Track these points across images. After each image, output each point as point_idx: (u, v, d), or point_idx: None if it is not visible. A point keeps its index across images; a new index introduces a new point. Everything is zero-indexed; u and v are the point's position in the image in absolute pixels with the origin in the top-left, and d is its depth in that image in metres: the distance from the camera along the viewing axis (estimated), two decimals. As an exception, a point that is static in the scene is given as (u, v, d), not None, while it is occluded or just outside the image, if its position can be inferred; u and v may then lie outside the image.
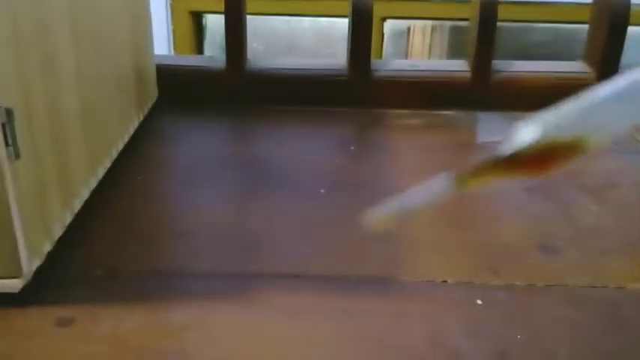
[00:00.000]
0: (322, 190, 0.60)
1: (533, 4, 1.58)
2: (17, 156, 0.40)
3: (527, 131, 0.18)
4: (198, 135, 0.73)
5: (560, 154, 0.18)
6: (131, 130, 0.66)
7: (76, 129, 0.51)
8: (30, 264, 0.43)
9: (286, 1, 1.62)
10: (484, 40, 0.78)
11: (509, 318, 0.43)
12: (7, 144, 0.39)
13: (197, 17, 1.72)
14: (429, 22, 1.73)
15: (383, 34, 1.68)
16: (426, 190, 0.21)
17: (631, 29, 0.77)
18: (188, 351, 0.40)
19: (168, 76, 0.79)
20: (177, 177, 0.64)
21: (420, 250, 0.51)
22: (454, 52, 1.71)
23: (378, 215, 0.21)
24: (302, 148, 0.69)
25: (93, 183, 0.55)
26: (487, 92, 0.80)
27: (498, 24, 0.77)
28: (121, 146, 0.62)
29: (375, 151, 0.69)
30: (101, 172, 0.57)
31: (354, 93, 0.80)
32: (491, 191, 0.61)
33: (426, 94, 0.80)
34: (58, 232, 0.47)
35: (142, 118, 0.71)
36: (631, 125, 0.19)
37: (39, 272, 0.44)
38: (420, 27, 1.76)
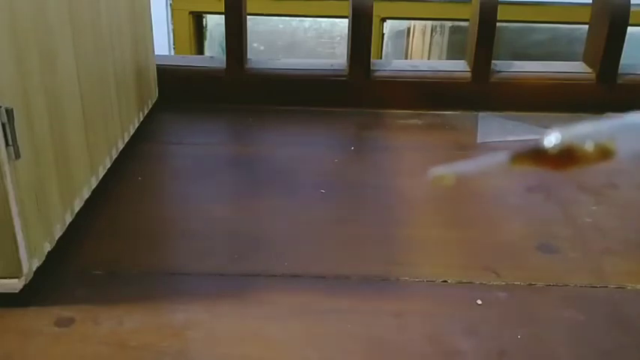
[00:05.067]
0: (322, 190, 0.60)
1: (533, 4, 1.58)
2: (17, 156, 0.40)
3: (556, 135, 0.24)
4: (199, 135, 0.73)
5: (581, 156, 0.24)
6: (131, 130, 0.66)
7: (77, 129, 0.51)
8: (30, 264, 0.43)
9: (286, 1, 1.62)
10: (484, 40, 0.78)
11: (509, 318, 0.43)
12: (7, 144, 0.39)
13: (197, 17, 1.72)
14: (429, 22, 1.74)
15: (383, 34, 1.68)
16: (483, 160, 0.25)
17: (631, 29, 0.77)
18: (188, 351, 0.40)
19: (168, 76, 0.79)
20: (177, 177, 0.64)
21: (420, 250, 0.51)
22: (454, 52, 1.71)
23: (440, 172, 0.26)
24: (302, 148, 0.69)
25: (93, 183, 0.55)
26: (487, 92, 0.80)
27: (498, 24, 0.77)
28: (121, 146, 0.62)
29: (375, 151, 0.69)
30: (101, 172, 0.57)
31: (354, 93, 0.80)
32: (491, 191, 0.61)
33: (426, 94, 0.80)
34: (58, 232, 0.47)
35: (142, 117, 0.71)
36: None
37: (39, 272, 0.44)
38: (419, 27, 1.76)
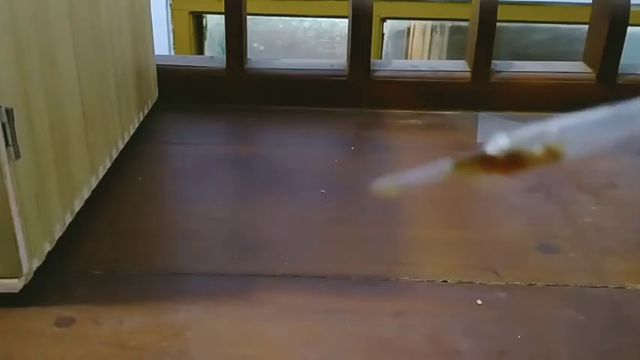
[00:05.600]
0: (322, 190, 0.60)
1: (533, 4, 1.59)
2: (17, 156, 0.40)
3: (503, 140, 0.24)
4: (199, 135, 0.73)
5: (529, 159, 0.24)
6: (131, 130, 0.66)
7: (77, 129, 0.51)
8: (30, 264, 0.43)
9: (286, 1, 1.62)
10: (484, 40, 0.78)
11: (509, 318, 0.43)
12: (7, 144, 0.39)
13: (197, 17, 1.72)
14: (429, 22, 1.74)
15: (383, 34, 1.68)
16: (427, 170, 0.25)
17: (631, 29, 0.77)
18: (188, 351, 0.40)
19: (168, 76, 0.79)
20: (177, 177, 0.64)
21: (420, 250, 0.51)
22: (454, 52, 1.71)
23: (384, 184, 0.26)
24: (302, 148, 0.69)
25: (93, 183, 0.55)
26: (487, 92, 0.80)
27: (498, 24, 0.77)
28: (121, 146, 0.62)
29: (375, 151, 0.69)
30: (101, 172, 0.57)
31: (354, 93, 0.80)
32: (491, 191, 0.61)
33: (426, 94, 0.80)
34: (58, 232, 0.47)
35: (142, 118, 0.71)
36: (600, 147, 0.24)
37: (39, 272, 0.44)
38: (419, 27, 1.76)
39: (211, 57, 0.88)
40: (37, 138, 0.43)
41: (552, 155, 0.24)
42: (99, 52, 0.56)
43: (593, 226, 0.54)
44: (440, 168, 0.25)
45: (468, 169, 0.25)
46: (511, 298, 0.45)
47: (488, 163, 0.24)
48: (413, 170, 0.25)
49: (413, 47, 1.77)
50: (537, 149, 0.24)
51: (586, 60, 0.82)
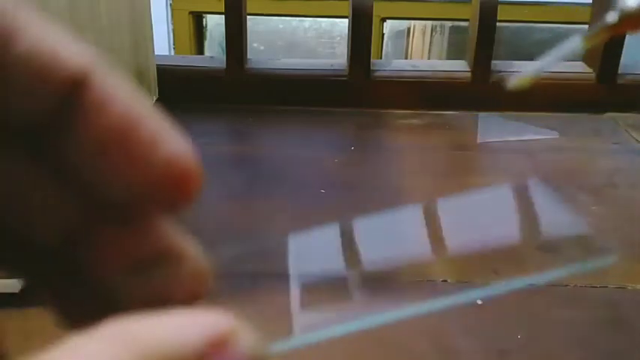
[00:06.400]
0: (322, 190, 0.60)
1: (533, 4, 1.59)
2: (17, 156, 0.40)
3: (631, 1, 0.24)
4: (199, 135, 0.73)
5: None
6: (131, 130, 0.66)
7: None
8: (30, 264, 0.42)
9: (286, 1, 1.62)
10: (484, 40, 0.78)
11: (510, 318, 0.43)
12: (7, 144, 0.39)
13: (197, 17, 1.72)
14: (429, 22, 1.74)
15: (383, 34, 1.69)
16: (558, 51, 0.25)
17: (631, 29, 0.77)
18: (188, 351, 0.40)
19: (168, 76, 0.79)
20: (177, 177, 0.64)
21: (420, 250, 0.51)
22: (454, 52, 1.71)
23: (519, 78, 0.26)
24: (302, 148, 0.69)
25: (93, 183, 0.54)
26: (487, 92, 0.80)
27: (498, 24, 0.77)
28: (121, 146, 0.62)
29: (374, 151, 0.69)
30: (101, 172, 0.57)
31: (354, 93, 0.80)
32: (491, 191, 0.61)
33: (426, 94, 0.80)
34: (58, 232, 0.47)
35: (142, 118, 0.70)
36: None
37: (39, 272, 0.44)
38: (419, 27, 1.76)
39: (211, 57, 0.88)
40: (37, 138, 0.43)
41: None
42: (99, 52, 0.56)
43: (593, 226, 0.54)
44: (570, 45, 0.25)
45: (597, 39, 0.25)
46: (511, 298, 0.45)
47: (617, 25, 0.24)
48: (543, 56, 0.26)
49: (413, 47, 1.77)
50: None
51: (586, 60, 0.82)
